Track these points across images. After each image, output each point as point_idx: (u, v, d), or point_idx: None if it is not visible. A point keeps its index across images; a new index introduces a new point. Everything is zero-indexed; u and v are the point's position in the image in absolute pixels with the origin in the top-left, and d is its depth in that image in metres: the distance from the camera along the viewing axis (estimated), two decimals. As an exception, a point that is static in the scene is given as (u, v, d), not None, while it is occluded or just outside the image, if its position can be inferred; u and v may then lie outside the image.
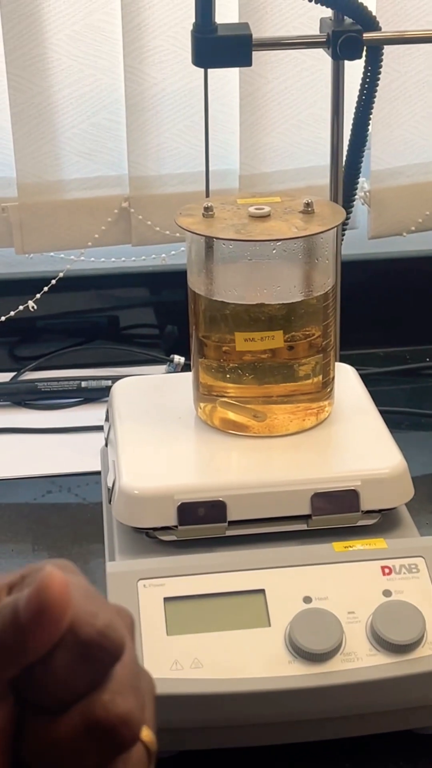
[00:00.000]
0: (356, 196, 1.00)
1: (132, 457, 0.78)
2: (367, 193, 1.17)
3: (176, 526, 0.74)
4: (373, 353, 1.22)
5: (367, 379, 0.90)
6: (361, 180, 1.14)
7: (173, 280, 1.21)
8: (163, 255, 1.20)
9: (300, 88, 1.12)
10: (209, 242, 0.78)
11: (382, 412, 0.85)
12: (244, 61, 0.86)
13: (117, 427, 0.82)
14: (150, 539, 0.75)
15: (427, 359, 1.20)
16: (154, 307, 1.25)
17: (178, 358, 1.17)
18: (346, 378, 0.88)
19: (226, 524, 0.74)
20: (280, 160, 1.15)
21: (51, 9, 1.07)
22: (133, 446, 0.79)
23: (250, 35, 0.86)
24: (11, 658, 0.41)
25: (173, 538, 0.74)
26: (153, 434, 0.81)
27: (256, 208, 0.78)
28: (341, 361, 0.93)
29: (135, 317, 1.25)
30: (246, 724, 0.67)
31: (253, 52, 0.87)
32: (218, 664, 0.66)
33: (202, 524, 0.74)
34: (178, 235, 1.15)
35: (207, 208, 0.78)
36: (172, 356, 1.17)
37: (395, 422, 1.07)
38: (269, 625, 0.68)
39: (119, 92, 1.11)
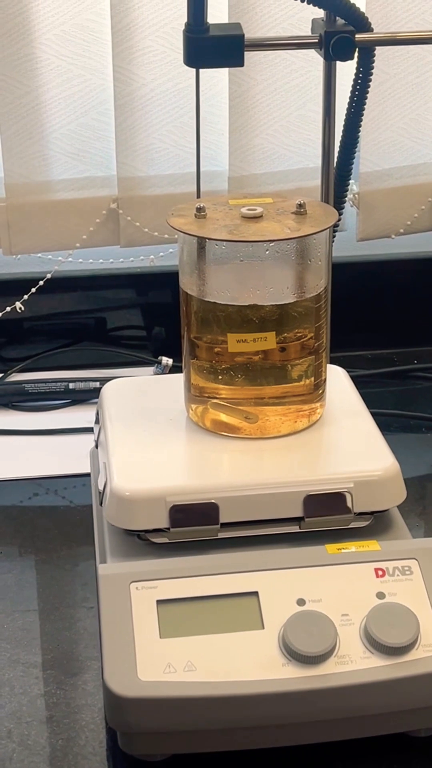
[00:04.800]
0: (346, 198, 0.99)
1: (123, 459, 0.78)
2: (356, 195, 1.17)
3: (168, 528, 0.74)
4: (361, 355, 1.22)
5: (355, 381, 0.90)
6: (349, 182, 1.14)
7: (161, 281, 1.21)
8: (152, 256, 1.20)
9: (289, 89, 1.12)
10: (201, 243, 0.77)
11: (371, 414, 0.84)
12: (237, 61, 0.86)
13: (108, 428, 0.82)
14: (142, 541, 0.75)
15: (414, 361, 1.20)
16: (142, 308, 1.24)
17: (166, 360, 1.16)
18: (338, 380, 0.88)
19: (219, 526, 0.74)
20: (270, 161, 1.15)
21: (39, 8, 1.07)
22: (124, 448, 0.79)
23: (243, 35, 0.86)
24: None
25: (165, 540, 0.74)
26: (144, 436, 0.80)
27: (249, 209, 0.78)
28: (330, 362, 0.92)
29: (123, 318, 1.24)
30: (239, 727, 0.67)
31: (245, 53, 0.87)
32: (212, 666, 0.66)
33: (194, 526, 0.74)
34: (166, 236, 1.15)
35: (199, 209, 0.78)
36: (160, 358, 1.17)
37: (383, 424, 1.06)
38: (263, 628, 0.67)
39: (108, 92, 1.11)
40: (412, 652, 0.67)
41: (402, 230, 1.20)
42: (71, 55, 1.09)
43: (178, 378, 0.84)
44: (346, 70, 0.94)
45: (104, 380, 0.97)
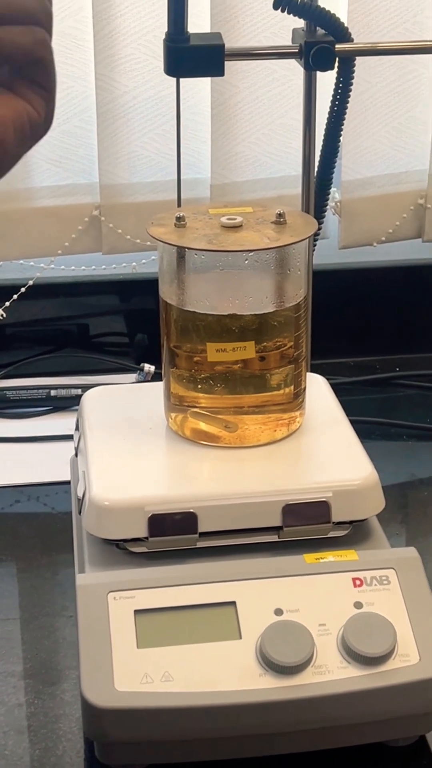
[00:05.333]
0: (327, 207, 1.00)
1: (102, 467, 0.77)
2: (338, 203, 1.18)
3: (147, 538, 0.74)
4: (343, 363, 1.22)
5: (337, 389, 0.90)
6: (332, 190, 1.14)
7: (144, 288, 1.21)
8: (134, 263, 1.20)
9: (271, 98, 1.13)
10: (181, 252, 0.78)
11: (352, 422, 0.84)
12: (217, 71, 0.86)
13: (87, 436, 0.81)
14: (120, 551, 0.74)
15: (396, 369, 1.21)
16: (124, 315, 1.24)
17: (149, 367, 1.16)
18: (318, 388, 0.88)
19: (197, 536, 0.74)
20: (252, 169, 1.15)
21: (22, 16, 1.06)
22: (104, 456, 0.79)
23: (223, 45, 0.86)
24: None
25: (144, 549, 0.74)
26: (123, 444, 0.80)
27: (228, 219, 0.78)
28: (311, 371, 0.93)
29: (105, 325, 1.24)
30: (217, 737, 0.67)
31: (225, 62, 0.87)
32: (189, 677, 0.66)
33: (173, 536, 0.74)
34: (149, 243, 1.15)
35: (179, 218, 0.78)
36: (142, 365, 1.17)
37: (365, 432, 1.07)
38: (240, 638, 0.67)
39: (90, 100, 1.11)
40: (389, 662, 0.67)
41: (384, 238, 1.20)
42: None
43: (159, 386, 0.84)
44: (328, 79, 0.94)
45: (86, 387, 0.97)
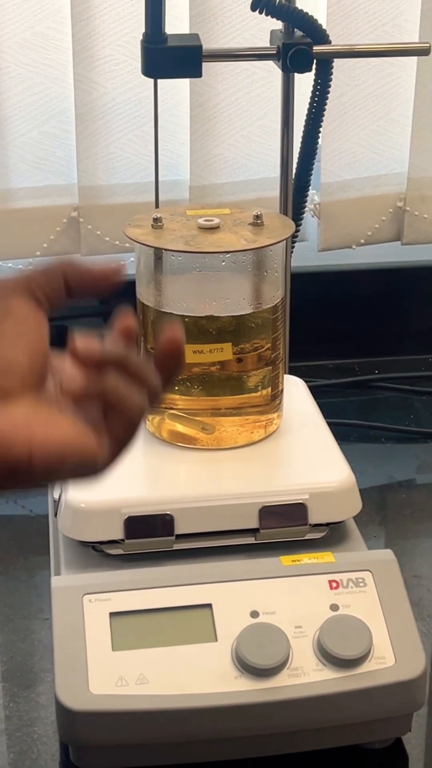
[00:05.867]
0: (306, 209, 1.00)
1: (79, 469, 0.77)
2: (317, 206, 1.18)
3: (123, 540, 0.73)
4: (323, 365, 1.22)
5: (316, 391, 0.90)
6: (311, 192, 1.14)
7: (124, 289, 1.19)
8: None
9: (250, 100, 1.12)
10: (158, 254, 0.77)
11: (331, 424, 0.85)
12: (194, 72, 0.86)
13: (64, 439, 0.81)
14: (96, 553, 0.74)
15: (376, 371, 1.21)
16: (103, 316, 1.24)
17: (128, 369, 1.16)
18: (296, 390, 0.88)
19: (174, 538, 0.74)
20: (231, 171, 1.15)
21: (0, 17, 1.06)
22: (80, 459, 0.78)
23: (200, 46, 0.86)
24: None
25: (120, 551, 0.74)
26: (100, 446, 0.80)
27: (206, 220, 0.78)
28: (291, 373, 0.93)
29: (84, 327, 1.24)
30: (192, 740, 0.66)
31: (204, 64, 0.87)
32: (164, 679, 0.65)
33: (149, 538, 0.73)
34: (127, 245, 1.15)
35: (156, 219, 0.78)
36: (121, 367, 1.16)
37: (344, 434, 1.08)
38: (216, 640, 0.67)
39: (69, 101, 1.11)
40: (365, 664, 0.67)
41: (363, 241, 1.20)
42: (32, 64, 1.09)
43: (136, 388, 0.84)
44: (307, 81, 0.94)
45: (63, 390, 0.96)
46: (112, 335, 0.53)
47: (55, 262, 0.53)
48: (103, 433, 0.49)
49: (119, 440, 0.50)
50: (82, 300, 0.54)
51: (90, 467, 0.50)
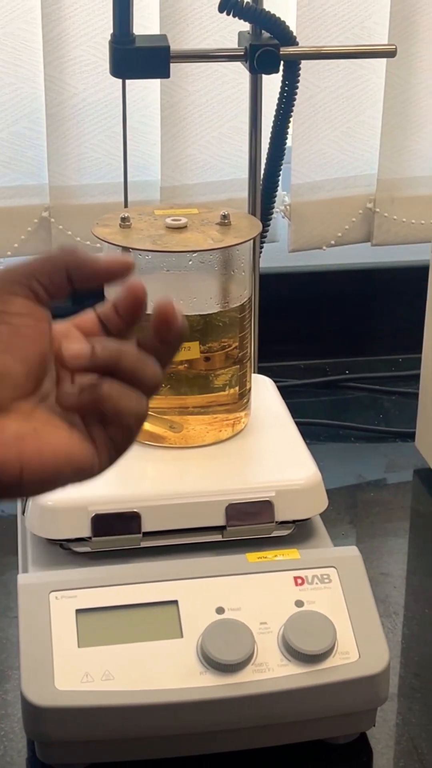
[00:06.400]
0: (275, 209, 1.00)
1: (46, 467, 0.77)
2: (288, 207, 1.18)
3: (90, 538, 0.74)
4: (294, 365, 1.22)
5: (287, 391, 0.90)
6: (282, 193, 1.15)
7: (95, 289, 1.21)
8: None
9: (221, 101, 1.13)
10: (126, 253, 0.78)
11: (301, 424, 0.85)
12: (162, 72, 0.87)
13: (32, 437, 0.81)
14: (64, 551, 0.74)
15: (346, 371, 1.21)
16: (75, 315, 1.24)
17: (99, 369, 1.16)
18: (264, 389, 0.89)
19: (141, 535, 0.74)
20: (202, 172, 1.15)
21: (-30, 17, 1.06)
22: (48, 457, 0.79)
23: (168, 47, 0.86)
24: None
25: (87, 549, 0.74)
26: (68, 445, 0.80)
27: (173, 220, 0.78)
28: (262, 373, 0.93)
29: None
30: (158, 735, 0.67)
31: (174, 65, 0.88)
32: (129, 675, 0.66)
33: (116, 535, 0.74)
34: (98, 245, 1.15)
35: (124, 219, 0.78)
36: (92, 367, 1.17)
37: (314, 434, 1.09)
38: (181, 637, 0.68)
39: (39, 101, 1.11)
40: (329, 659, 0.67)
41: (333, 242, 1.21)
42: (2, 64, 1.09)
43: (104, 387, 0.84)
44: (277, 82, 0.95)
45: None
46: (115, 307, 0.51)
47: (58, 254, 0.49)
48: (100, 442, 0.48)
49: (118, 446, 0.49)
50: (86, 291, 0.51)
51: (86, 476, 0.48)
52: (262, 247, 1.00)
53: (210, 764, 0.69)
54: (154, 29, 1.09)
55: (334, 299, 1.24)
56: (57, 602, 0.69)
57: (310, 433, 0.84)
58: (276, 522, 0.76)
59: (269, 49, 0.86)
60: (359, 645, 0.68)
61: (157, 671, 0.66)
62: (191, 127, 1.13)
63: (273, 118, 0.93)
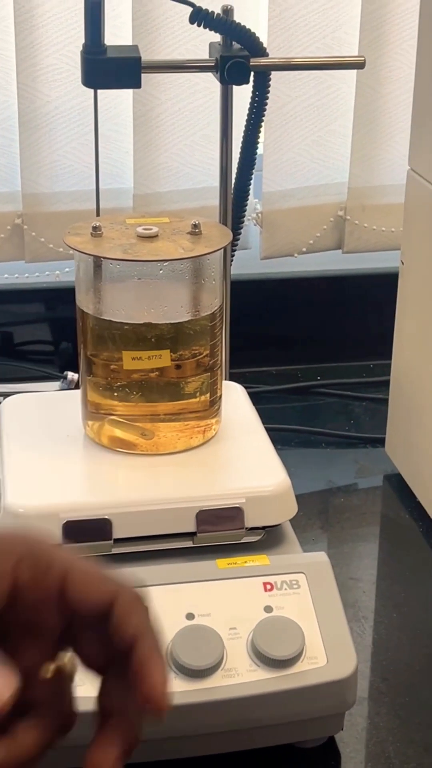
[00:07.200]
0: (246, 217, 1.01)
1: (18, 475, 0.78)
2: (260, 215, 1.19)
3: (61, 545, 0.74)
4: (266, 371, 1.23)
5: (259, 397, 0.91)
6: (253, 201, 1.16)
7: (67, 296, 1.20)
8: (57, 272, 1.20)
9: (193, 110, 1.14)
10: (97, 261, 0.78)
11: (273, 430, 0.86)
12: (133, 82, 0.87)
13: (4, 444, 0.82)
14: (35, 557, 0.75)
15: (318, 378, 1.22)
16: (48, 323, 1.24)
17: (72, 375, 1.16)
18: (235, 396, 0.90)
19: (112, 542, 0.75)
20: (174, 180, 1.16)
21: None
22: (20, 464, 0.79)
23: (139, 57, 0.87)
24: None
25: (58, 556, 0.74)
26: (40, 452, 0.81)
27: (144, 229, 0.79)
28: (233, 379, 0.94)
29: (29, 333, 1.25)
30: (128, 741, 0.67)
31: (147, 74, 0.88)
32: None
33: (87, 542, 0.74)
34: (71, 252, 1.15)
35: (95, 228, 0.79)
36: (65, 373, 1.17)
37: (286, 440, 1.10)
38: (151, 642, 0.68)
39: (12, 109, 1.11)
40: (298, 664, 0.68)
41: (305, 249, 1.22)
42: (-25, 72, 1.09)
43: (78, 394, 0.85)
44: (248, 91, 0.96)
45: (8, 395, 0.96)
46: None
47: (58, 566, 0.42)
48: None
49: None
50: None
51: None
52: (233, 255, 1.01)
53: (180, 769, 0.70)
54: (127, 38, 1.09)
55: (305, 306, 1.26)
56: (28, 609, 0.69)
57: (281, 439, 0.85)
58: (246, 528, 0.76)
59: (239, 61, 0.87)
60: (327, 650, 0.69)
61: (127, 677, 0.67)
62: (163, 135, 1.14)
63: (244, 127, 0.94)
